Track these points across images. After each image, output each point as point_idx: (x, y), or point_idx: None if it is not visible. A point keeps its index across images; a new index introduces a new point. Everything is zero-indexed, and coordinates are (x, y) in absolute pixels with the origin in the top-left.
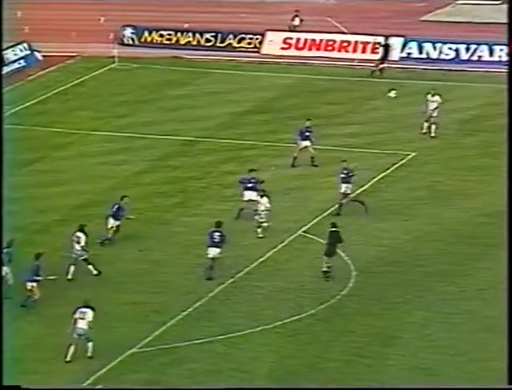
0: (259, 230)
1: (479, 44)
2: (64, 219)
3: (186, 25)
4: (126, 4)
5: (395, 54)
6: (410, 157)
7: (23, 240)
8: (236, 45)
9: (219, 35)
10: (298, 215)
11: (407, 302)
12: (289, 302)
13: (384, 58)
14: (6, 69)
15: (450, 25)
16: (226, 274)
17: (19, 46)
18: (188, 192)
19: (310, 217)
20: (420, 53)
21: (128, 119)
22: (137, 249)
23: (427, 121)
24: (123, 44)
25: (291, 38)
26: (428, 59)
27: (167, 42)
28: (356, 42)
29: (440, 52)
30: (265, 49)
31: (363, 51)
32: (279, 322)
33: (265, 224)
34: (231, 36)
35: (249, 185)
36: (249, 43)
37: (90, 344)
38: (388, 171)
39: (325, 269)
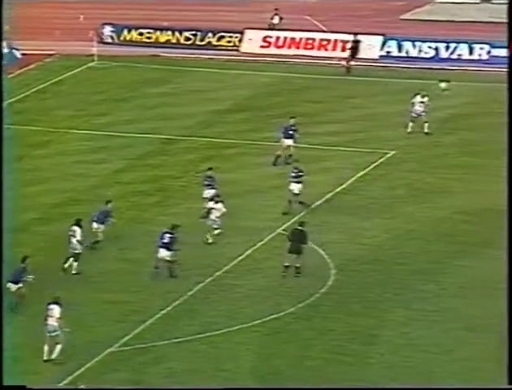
0: (209, 235)
1: (458, 42)
2: (43, 218)
3: (165, 23)
4: (105, 2)
5: (375, 53)
6: (389, 155)
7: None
8: (215, 43)
9: (199, 33)
10: (278, 214)
11: (387, 300)
12: (269, 301)
13: (353, 56)
14: None
15: (430, 24)
16: (205, 272)
17: None
18: (167, 191)
19: (290, 215)
20: (400, 51)
21: (108, 118)
22: (117, 248)
23: (412, 121)
24: (102, 42)
25: (270, 36)
26: (408, 58)
27: (147, 40)
28: (335, 40)
29: (420, 50)
30: (244, 48)
31: (343, 49)
32: (259, 321)
33: (216, 232)
34: (210, 34)
35: (206, 183)
36: (229, 41)
37: (58, 347)
38: (368, 170)
39: (286, 264)
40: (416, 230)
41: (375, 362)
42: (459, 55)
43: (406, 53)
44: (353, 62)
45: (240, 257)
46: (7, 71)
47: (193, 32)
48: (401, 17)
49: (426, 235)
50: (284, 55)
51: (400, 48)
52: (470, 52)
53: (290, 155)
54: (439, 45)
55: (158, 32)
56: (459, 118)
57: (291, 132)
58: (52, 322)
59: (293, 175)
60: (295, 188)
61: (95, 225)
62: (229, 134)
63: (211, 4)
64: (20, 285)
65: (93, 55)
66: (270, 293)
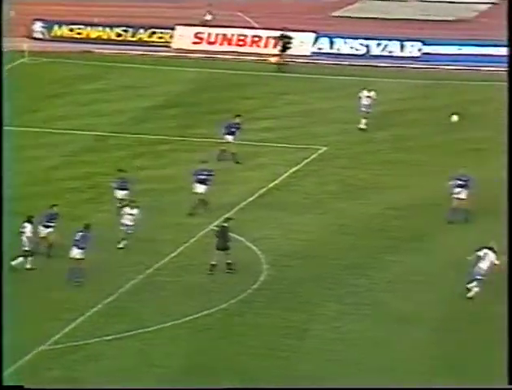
0: (123, 241)
1: (390, 40)
2: None
3: (96, 19)
4: None
5: (307, 50)
6: (321, 151)
7: None
8: (146, 39)
9: (130, 29)
10: (210, 210)
11: (319, 295)
12: (200, 297)
13: (284, 52)
14: None
15: (361, 21)
16: (137, 269)
17: None
18: (99, 188)
19: (222, 212)
20: (331, 48)
21: (40, 114)
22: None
23: (364, 117)
24: (33, 38)
25: (202, 33)
26: (339, 55)
27: (78, 36)
28: (267, 37)
29: (351, 47)
30: (176, 44)
31: (275, 46)
32: (191, 317)
33: (122, 244)
34: (141, 30)
35: (121, 185)
36: (160, 37)
37: None
38: (300, 166)
39: (213, 262)
40: (348, 225)
41: (307, 357)
42: (390, 52)
43: (338, 50)
44: (284, 59)
45: (172, 254)
46: None
47: (124, 28)
48: (333, 14)
49: (358, 230)
50: (216, 52)
51: (332, 45)
52: (402, 49)
53: (224, 150)
54: (370, 42)
55: (89, 28)
56: (391, 114)
57: (233, 130)
58: None
59: (201, 177)
60: (200, 189)
61: (42, 229)
62: (161, 130)
63: (143, 0)
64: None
65: (23, 51)
66: (202, 290)
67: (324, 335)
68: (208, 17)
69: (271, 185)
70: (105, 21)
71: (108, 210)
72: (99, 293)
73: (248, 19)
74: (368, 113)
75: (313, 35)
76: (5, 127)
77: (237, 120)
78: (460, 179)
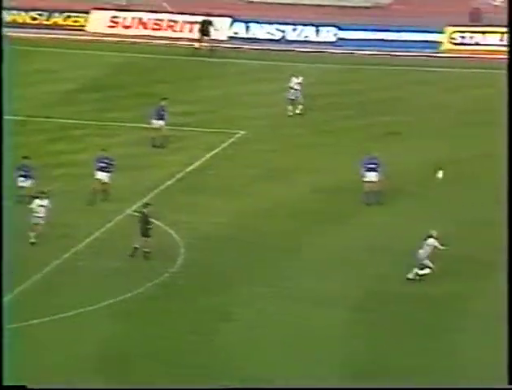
0: (32, 234)
1: (305, 25)
2: None
3: (13, 3)
4: None
5: (223, 34)
6: (239, 135)
7: None
8: (62, 23)
9: (45, 13)
10: (127, 195)
11: (239, 278)
12: (118, 282)
13: (205, 36)
14: None
15: (277, 6)
16: (52, 255)
17: None
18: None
19: (139, 197)
20: (247, 33)
21: None
22: None
23: (292, 104)
24: None
25: (118, 17)
26: (255, 39)
27: None
28: (183, 22)
29: (267, 32)
30: (91, 28)
31: (190, 31)
32: (108, 303)
33: (32, 238)
34: (56, 14)
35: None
36: (75, 21)
37: None
38: (219, 149)
39: (136, 245)
40: (266, 208)
41: (228, 339)
42: (306, 37)
43: (254, 34)
44: (205, 44)
45: (88, 239)
46: None
47: (39, 12)
48: (248, 0)
49: (279, 213)
50: (132, 36)
51: (247, 30)
52: (317, 34)
53: (155, 136)
54: (286, 27)
55: (4, 12)
56: (308, 98)
57: (162, 113)
58: None
59: (102, 165)
60: (103, 177)
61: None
62: (77, 115)
63: None
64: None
65: None
66: (119, 275)
67: (244, 317)
68: (123, 1)
69: (189, 169)
70: (19, 4)
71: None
72: (12, 279)
73: (164, 3)
74: (298, 99)
75: (229, 20)
76: None
77: (163, 103)
78: (370, 163)
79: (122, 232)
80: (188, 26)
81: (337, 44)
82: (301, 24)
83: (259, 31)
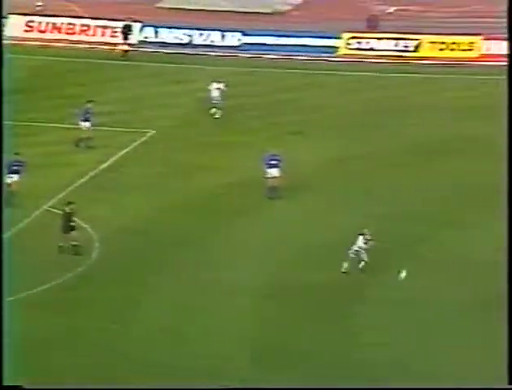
0: None
1: (211, 30)
2: None
3: None
4: None
5: (133, 38)
6: (150, 134)
7: None
8: None
9: None
10: (44, 191)
11: (151, 269)
12: (34, 273)
13: (125, 40)
14: None
15: (185, 12)
16: None
17: None
18: None
19: (56, 193)
20: (156, 37)
21: None
22: None
23: (214, 107)
24: None
25: (33, 21)
26: (164, 43)
27: None
28: (96, 26)
29: (176, 37)
30: (8, 32)
31: (103, 35)
32: (25, 294)
33: None
34: None
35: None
36: None
37: None
38: (131, 148)
39: (61, 244)
40: (177, 204)
41: (140, 326)
42: (212, 41)
43: (163, 39)
44: (125, 47)
45: (7, 235)
46: None
47: None
48: (157, 5)
49: (185, 208)
50: (47, 40)
51: (156, 34)
52: (223, 39)
53: (82, 138)
54: (193, 32)
55: None
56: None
57: (88, 115)
58: None
59: (13, 166)
60: (12, 179)
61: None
62: None
63: None
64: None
65: None
66: (35, 266)
67: (156, 305)
68: (39, 6)
69: (103, 167)
70: None
71: None
72: None
73: (76, 8)
74: (219, 103)
75: (139, 25)
76: None
77: (89, 105)
78: (272, 160)
79: (39, 229)
80: (100, 30)
81: (241, 48)
82: (207, 29)
83: (168, 35)
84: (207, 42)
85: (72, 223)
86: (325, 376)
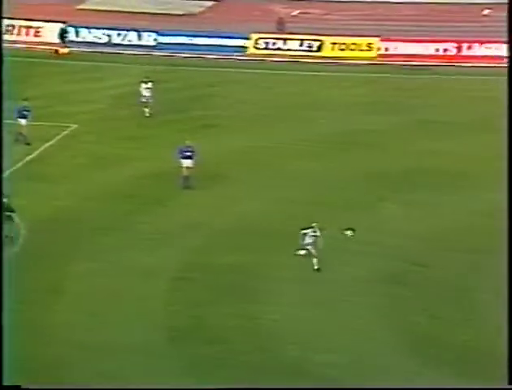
0: None
1: (128, 30)
2: None
3: None
4: None
5: (55, 38)
6: (71, 128)
7: None
8: None
9: None
10: None
11: (71, 255)
12: None
13: (62, 41)
14: None
15: (103, 13)
16: None
17: None
18: None
19: None
20: (77, 37)
21: None
22: None
23: (146, 106)
24: None
25: None
26: (85, 43)
27: None
28: (20, 26)
29: (95, 36)
30: None
31: (27, 34)
32: None
33: None
34: None
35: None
36: None
37: None
38: (53, 141)
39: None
40: (97, 193)
41: (62, 309)
42: (129, 41)
43: (83, 38)
44: (64, 49)
45: None
46: None
47: None
48: (78, 7)
49: (106, 196)
50: None
51: (77, 34)
52: (139, 38)
53: (21, 133)
54: (111, 32)
55: None
56: (131, 95)
57: (25, 113)
58: None
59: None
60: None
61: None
62: None
63: None
64: None
65: None
66: None
67: (76, 290)
68: None
69: (29, 158)
70: None
71: None
72: None
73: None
74: (149, 102)
75: (61, 25)
76: None
77: (25, 103)
78: (186, 151)
79: None
80: (24, 30)
81: (157, 47)
82: (124, 30)
83: (88, 35)
84: (125, 42)
85: (9, 215)
86: (231, 352)
